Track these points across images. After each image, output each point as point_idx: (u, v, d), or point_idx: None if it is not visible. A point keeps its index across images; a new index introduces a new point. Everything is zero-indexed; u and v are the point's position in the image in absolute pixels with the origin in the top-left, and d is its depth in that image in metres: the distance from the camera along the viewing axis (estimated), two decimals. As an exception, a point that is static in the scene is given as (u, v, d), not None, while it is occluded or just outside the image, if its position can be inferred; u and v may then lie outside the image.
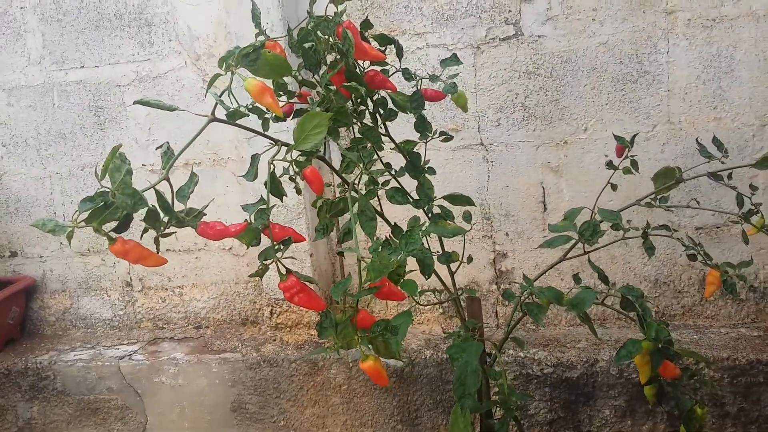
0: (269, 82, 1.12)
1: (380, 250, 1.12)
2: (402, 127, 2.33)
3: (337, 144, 1.37)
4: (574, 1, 2.25)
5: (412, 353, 2.30)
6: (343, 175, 1.41)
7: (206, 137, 2.52)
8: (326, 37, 1.25)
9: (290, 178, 1.15)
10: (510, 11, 2.30)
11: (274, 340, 2.46)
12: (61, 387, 2.51)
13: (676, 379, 1.57)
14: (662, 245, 2.34)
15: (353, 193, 1.27)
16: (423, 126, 1.69)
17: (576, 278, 1.73)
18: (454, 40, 2.34)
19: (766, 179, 2.26)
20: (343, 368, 2.31)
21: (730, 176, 1.75)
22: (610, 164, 1.80)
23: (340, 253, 1.20)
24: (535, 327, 2.46)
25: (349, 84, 1.22)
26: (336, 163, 1.42)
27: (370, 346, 1.20)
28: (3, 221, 2.77)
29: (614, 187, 1.81)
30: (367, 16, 1.39)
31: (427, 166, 1.73)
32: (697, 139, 1.81)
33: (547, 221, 2.41)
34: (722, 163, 1.75)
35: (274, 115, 1.45)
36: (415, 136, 1.69)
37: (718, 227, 2.34)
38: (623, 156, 1.80)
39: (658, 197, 1.78)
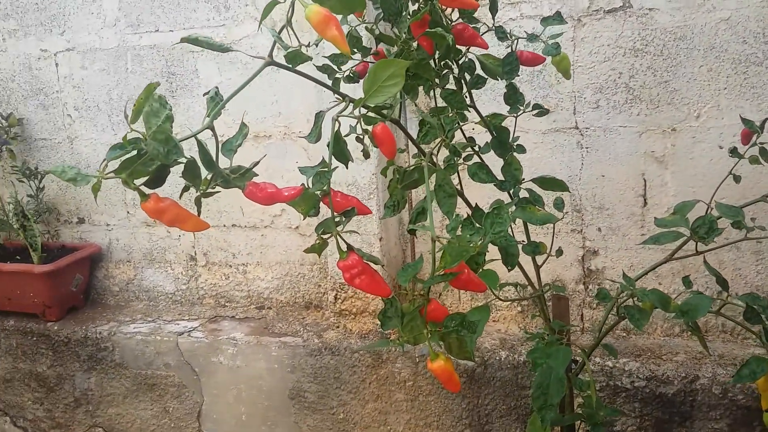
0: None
1: (460, 229, 0.93)
2: (487, 103, 2.13)
3: (415, 105, 1.18)
4: (694, -31, 1.98)
5: (486, 353, 2.09)
6: (420, 145, 1.23)
7: (277, 109, 2.39)
8: (411, -21, 1.06)
9: (357, 139, 0.98)
10: (618, -21, 2.04)
11: (337, 326, 2.31)
12: (119, 359, 2.45)
13: (805, 409, 1.31)
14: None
15: (430, 164, 1.08)
16: (514, 97, 1.48)
17: (686, 281, 1.49)
18: (552, 11, 2.10)
19: None
20: (409, 363, 2.13)
21: None
22: (734, 152, 1.54)
23: (412, 231, 1.02)
24: (626, 335, 2.21)
25: (433, 31, 1.03)
26: (412, 132, 1.23)
27: (441, 343, 1.01)
28: (71, 187, 2.74)
29: (737, 179, 1.55)
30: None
31: (516, 144, 1.53)
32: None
33: (646, 218, 2.15)
34: None
35: (346, 74, 1.28)
36: (503, 110, 1.49)
37: None
38: (750, 143, 1.54)
39: (791, 193, 1.51)
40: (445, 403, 2.13)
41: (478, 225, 0.96)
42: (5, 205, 2.64)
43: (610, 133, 2.13)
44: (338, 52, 1.27)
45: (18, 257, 2.63)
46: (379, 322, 2.26)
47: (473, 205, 1.37)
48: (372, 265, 0.98)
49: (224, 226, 2.56)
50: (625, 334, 2.21)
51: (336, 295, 2.32)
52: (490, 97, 2.13)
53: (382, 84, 0.88)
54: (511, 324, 2.32)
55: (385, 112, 0.96)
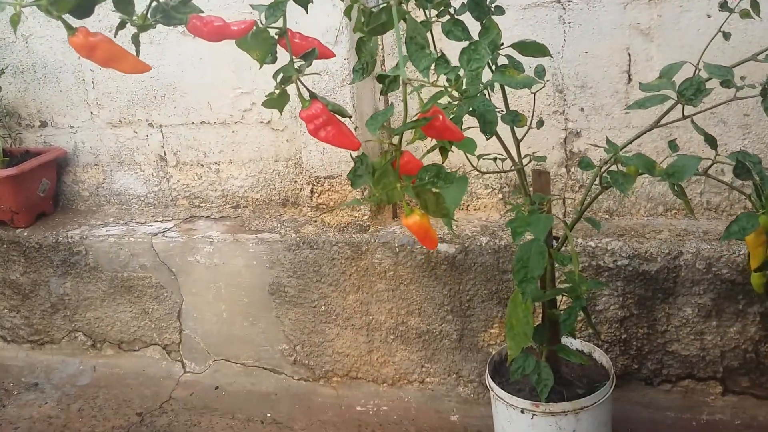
0: None
1: (433, 68, 0.85)
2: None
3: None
4: None
5: (466, 239, 2.05)
6: None
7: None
8: None
9: (315, -32, 0.88)
10: None
11: (315, 221, 2.25)
12: (93, 263, 2.39)
13: (793, 268, 1.29)
14: (767, 124, 1.98)
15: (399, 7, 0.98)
16: (492, -46, 1.37)
17: (672, 145, 1.43)
18: None
19: None
20: (389, 253, 2.09)
21: None
22: (724, 6, 1.45)
23: (381, 78, 0.93)
24: (609, 216, 2.17)
25: None
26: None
27: (416, 199, 0.94)
28: (31, 88, 2.59)
29: (727, 36, 1.47)
30: None
31: (494, 6, 1.43)
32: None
33: (630, 95, 2.06)
34: None
35: None
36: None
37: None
38: (740, -4, 1.44)
39: (783, 51, 1.43)
40: (427, 290, 2.10)
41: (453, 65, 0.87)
42: (-40, 109, 2.50)
43: (594, 5, 2.02)
44: None
45: (-21, 164, 2.52)
46: (358, 215, 2.21)
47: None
48: (339, 117, 0.90)
49: (192, 123, 2.45)
50: (607, 216, 2.17)
51: (312, 189, 2.25)
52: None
53: None
54: (491, 211, 2.27)
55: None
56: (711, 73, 1.38)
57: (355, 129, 2.09)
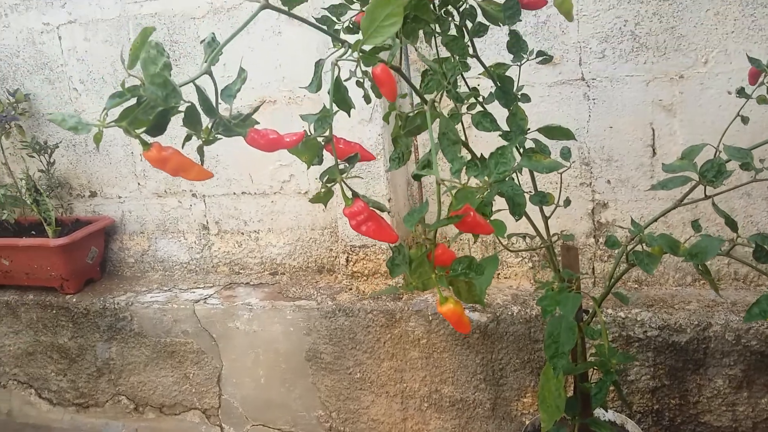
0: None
1: (465, 172, 0.93)
2: (491, 56, 2.10)
3: (416, 49, 1.18)
4: None
5: (498, 309, 2.10)
6: (425, 94, 1.22)
7: (281, 73, 2.38)
8: None
9: (358, 83, 0.97)
10: (621, -76, 2.00)
11: (350, 289, 2.32)
12: (138, 328, 2.49)
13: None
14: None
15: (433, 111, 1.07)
16: (517, 45, 1.47)
17: (695, 225, 1.48)
18: (555, -40, 2.07)
19: None
20: (422, 321, 2.15)
21: None
22: (741, 92, 1.52)
23: (417, 177, 1.02)
24: (638, 286, 2.21)
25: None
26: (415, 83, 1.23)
27: (450, 287, 1.01)
28: (82, 160, 2.75)
29: (745, 120, 1.54)
30: None
31: (520, 93, 1.52)
32: None
33: (656, 168, 2.13)
34: None
35: (345, 25, 1.27)
36: (506, 60, 1.48)
37: None
38: (758, 83, 1.52)
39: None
40: (460, 359, 2.15)
41: (483, 165, 0.96)
42: (17, 181, 2.66)
43: (617, 83, 2.11)
44: (337, 3, 1.26)
45: (33, 232, 2.66)
46: (392, 282, 2.28)
47: (479, 156, 1.37)
48: (378, 212, 0.99)
49: (234, 194, 2.57)
50: (636, 286, 2.21)
51: (347, 257, 2.33)
52: (494, 51, 2.12)
53: (380, 24, 0.88)
54: (522, 280, 2.32)
55: (385, 54, 0.95)
56: (731, 156, 1.45)
57: (389, 201, 2.19)
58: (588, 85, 2.14)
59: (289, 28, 2.35)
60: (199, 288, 2.55)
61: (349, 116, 1.01)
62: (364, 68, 0.93)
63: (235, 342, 2.39)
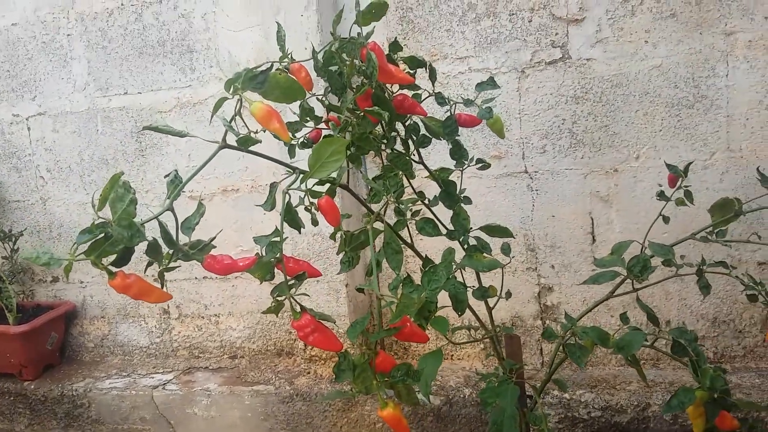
0: (281, 106, 1.06)
1: (401, 287, 1.04)
2: (441, 155, 2.25)
3: (360, 172, 1.30)
4: (626, 23, 2.14)
5: (451, 391, 2.18)
6: (371, 205, 1.34)
7: (245, 164, 2.49)
8: (351, 59, 1.18)
9: (306, 209, 1.08)
10: (557, 34, 2.20)
11: (308, 372, 2.38)
12: (95, 415, 2.49)
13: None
14: (721, 281, 2.17)
15: (378, 224, 1.19)
16: (459, 153, 1.60)
17: (623, 318, 1.60)
18: (497, 64, 2.26)
19: (838, 211, 2.07)
20: (378, 405, 2.21)
21: (797, 208, 1.60)
22: (661, 195, 1.67)
23: (360, 290, 1.13)
24: (583, 367, 2.31)
25: (371, 109, 1.15)
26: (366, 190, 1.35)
27: (391, 391, 1.10)
28: (45, 246, 2.80)
29: (666, 220, 1.68)
30: (395, 39, 1.33)
31: (462, 196, 1.65)
32: (757, 168, 1.67)
33: (596, 253, 2.28)
34: (788, 193, 1.60)
35: (300, 141, 1.39)
36: (451, 164, 1.61)
37: (784, 263, 2.16)
38: (677, 186, 1.67)
39: (715, 231, 1.64)
40: (415, 441, 2.21)
41: (417, 283, 1.06)
42: (-21, 267, 2.69)
43: (558, 175, 2.27)
44: (293, 120, 1.39)
45: (-7, 318, 2.68)
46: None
47: (424, 257, 1.48)
48: (325, 323, 1.08)
49: (195, 278, 2.64)
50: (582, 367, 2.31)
51: (306, 341, 2.40)
52: (441, 156, 2.27)
53: (325, 160, 0.99)
54: (475, 361, 2.41)
55: (332, 179, 1.06)
56: (654, 252, 1.58)
57: (346, 286, 2.28)
58: (531, 178, 2.30)
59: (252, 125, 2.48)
60: (158, 373, 2.58)
61: (300, 233, 1.11)
62: (311, 199, 1.04)
63: (193, 428, 2.41)
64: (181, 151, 2.56)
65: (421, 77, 1.47)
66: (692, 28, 2.10)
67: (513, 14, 2.22)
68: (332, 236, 1.18)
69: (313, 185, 1.04)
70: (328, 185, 1.20)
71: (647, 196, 2.20)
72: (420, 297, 1.01)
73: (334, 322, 1.05)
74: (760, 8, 2.04)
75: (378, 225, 1.24)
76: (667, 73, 2.14)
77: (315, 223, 1.10)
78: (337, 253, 1.16)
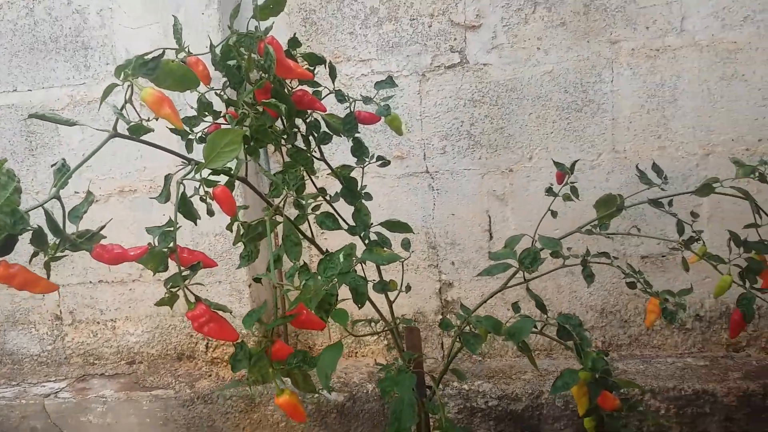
0: (180, 103, 1.05)
1: (297, 276, 1.05)
2: (345, 154, 2.28)
3: (259, 165, 1.30)
4: (519, 30, 2.25)
5: (354, 387, 2.21)
6: (273, 199, 1.34)
7: (143, 163, 2.43)
8: (249, 53, 1.19)
9: (201, 199, 1.08)
10: (455, 39, 2.28)
11: (210, 375, 2.34)
12: (-20, 427, 2.35)
13: (616, 411, 1.52)
14: (608, 274, 2.32)
15: (278, 217, 1.20)
16: (360, 150, 1.63)
17: (515, 307, 1.68)
18: (399, 67, 2.32)
19: (710, 208, 2.26)
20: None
21: (670, 203, 1.73)
22: (549, 191, 1.77)
23: (257, 279, 1.14)
24: (482, 359, 2.40)
25: (268, 101, 1.16)
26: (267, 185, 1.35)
27: (288, 379, 1.12)
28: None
29: (554, 214, 1.78)
30: (294, 35, 1.35)
31: (363, 192, 1.68)
32: (636, 166, 1.80)
33: (493, 250, 2.37)
34: (662, 189, 1.73)
35: (198, 136, 1.38)
36: (354, 162, 1.64)
37: (663, 256, 2.33)
38: (564, 183, 1.78)
39: (599, 225, 1.75)
40: (319, 439, 2.22)
41: (313, 271, 1.08)
42: None
43: (457, 175, 2.35)
44: (191, 115, 1.38)
45: None
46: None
47: (324, 251, 1.50)
48: (220, 312, 1.08)
49: (90, 282, 2.54)
50: (480, 359, 2.40)
51: (207, 343, 2.36)
52: (348, 151, 2.30)
53: (221, 150, 1.00)
54: (379, 357, 2.45)
55: (229, 170, 1.07)
56: (544, 245, 1.67)
57: (249, 286, 2.27)
58: (432, 177, 2.37)
59: (155, 128, 2.41)
60: (50, 381, 2.46)
61: (196, 224, 1.11)
62: (206, 189, 1.04)
63: (88, 436, 2.32)
64: (75, 150, 2.46)
65: (325, 78, 1.50)
66: (580, 37, 2.23)
67: (414, 19, 2.29)
68: (229, 227, 1.18)
69: (209, 175, 1.04)
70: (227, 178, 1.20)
71: (540, 194, 2.31)
72: (317, 285, 1.03)
73: (231, 312, 1.05)
74: (642, 19, 2.19)
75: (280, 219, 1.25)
76: (558, 78, 2.26)
77: (211, 213, 1.10)
78: (234, 244, 1.16)
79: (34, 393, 2.37)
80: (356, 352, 2.48)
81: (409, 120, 2.34)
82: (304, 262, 1.09)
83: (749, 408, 2.09)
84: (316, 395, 2.19)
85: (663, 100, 2.23)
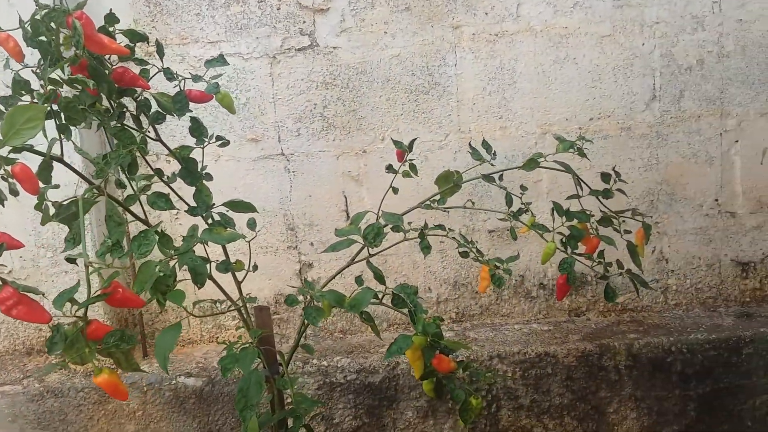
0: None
1: (110, 254, 1.05)
2: (183, 136, 2.23)
3: (73, 143, 1.28)
4: (367, 14, 2.30)
5: (212, 371, 2.21)
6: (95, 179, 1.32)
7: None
8: (57, 29, 1.16)
9: (2, 178, 1.05)
10: (305, 22, 2.31)
11: (61, 369, 2.26)
12: None
13: (452, 372, 1.62)
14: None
15: (97, 196, 1.18)
16: (198, 130, 1.63)
17: (358, 280, 1.74)
18: (249, 50, 2.31)
19: (549, 184, 2.42)
20: (137, 393, 2.17)
21: (501, 178, 1.85)
22: (390, 168, 1.84)
23: (70, 260, 1.12)
24: (342, 335, 2.46)
25: (75, 77, 1.14)
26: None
27: (109, 359, 1.11)
28: None
29: (395, 190, 1.85)
30: (111, 11, 1.32)
31: (204, 172, 1.68)
32: (469, 143, 1.90)
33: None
34: (492, 165, 1.85)
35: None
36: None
37: (508, 230, 2.46)
38: (404, 160, 1.85)
39: (439, 200, 1.84)
40: (177, 425, 2.20)
41: (126, 248, 1.08)
42: None
43: (312, 157, 2.38)
44: (8, 95, 1.32)
45: None
46: (106, 359, 2.26)
47: (160, 231, 1.48)
48: (30, 295, 1.06)
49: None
50: (342, 335, 2.46)
51: (58, 335, 2.27)
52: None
53: (20, 127, 0.97)
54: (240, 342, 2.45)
55: (29, 147, 1.04)
56: (386, 220, 1.74)
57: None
58: (288, 160, 2.39)
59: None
60: None
61: (3, 206, 1.07)
62: (6, 167, 1.01)
63: (-74, 441, 2.18)
64: None
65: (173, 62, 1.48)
66: (425, 21, 2.32)
67: (261, 1, 2.29)
68: (37, 206, 1.15)
69: (8, 153, 1.01)
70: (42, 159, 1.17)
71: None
72: (150, 269, 1.03)
73: (43, 294, 1.03)
74: (481, 5, 2.31)
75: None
76: (405, 62, 2.34)
77: (15, 193, 1.07)
78: (42, 224, 1.14)
79: None
80: (216, 338, 2.47)
81: (262, 103, 2.34)
82: (117, 240, 1.09)
83: (587, 367, 2.28)
84: (173, 381, 2.17)
85: (503, 82, 2.36)
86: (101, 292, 1.04)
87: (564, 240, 1.79)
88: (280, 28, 2.31)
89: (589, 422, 2.27)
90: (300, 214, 2.42)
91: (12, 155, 1.00)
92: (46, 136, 1.09)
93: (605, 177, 1.88)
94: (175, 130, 2.30)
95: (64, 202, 1.12)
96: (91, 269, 1.02)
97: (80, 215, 1.07)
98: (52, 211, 1.12)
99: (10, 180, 1.04)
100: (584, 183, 1.86)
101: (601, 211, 1.84)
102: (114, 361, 1.11)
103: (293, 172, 2.40)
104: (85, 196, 1.10)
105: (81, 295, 1.02)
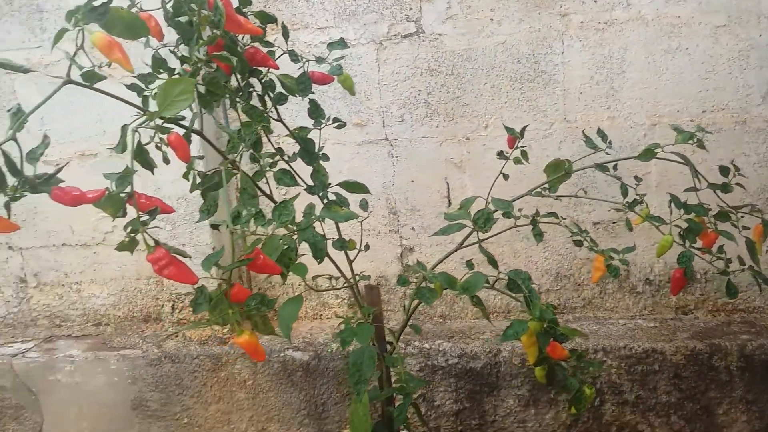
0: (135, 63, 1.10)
1: (252, 222, 1.11)
2: (306, 119, 2.31)
3: (213, 118, 1.35)
4: (473, 1, 2.31)
5: (319, 347, 2.28)
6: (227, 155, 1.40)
7: (102, 127, 2.43)
8: (199, 8, 1.24)
9: (156, 147, 1.13)
10: (411, 9, 2.33)
11: (177, 336, 2.40)
12: (-53, 389, 2.38)
13: (565, 360, 1.61)
14: (561, 240, 2.41)
15: (231, 168, 1.25)
16: (316, 112, 1.69)
17: (469, 264, 1.76)
18: (356, 35, 2.36)
19: (657, 176, 2.36)
20: (247, 363, 2.28)
21: (615, 168, 1.82)
22: (500, 154, 1.85)
23: (214, 226, 1.19)
24: (443, 320, 2.49)
25: (219, 53, 1.21)
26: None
27: (247, 321, 1.18)
28: None
29: (506, 177, 1.86)
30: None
31: (321, 153, 1.74)
32: (583, 131, 1.87)
33: (451, 215, 2.44)
34: (607, 154, 1.82)
35: (154, 93, 1.42)
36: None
37: (614, 222, 2.42)
38: (515, 147, 1.85)
39: (549, 188, 1.83)
40: (285, 397, 2.29)
41: (269, 218, 1.14)
42: None
43: (415, 143, 2.42)
44: (146, 72, 1.42)
45: None
46: (217, 328, 2.38)
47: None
48: (180, 257, 1.14)
49: (54, 245, 2.56)
50: (441, 320, 2.49)
51: (173, 305, 2.41)
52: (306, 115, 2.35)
53: (173, 99, 1.05)
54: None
55: (182, 118, 1.12)
56: (496, 206, 1.75)
57: (213, 249, 2.31)
58: (391, 145, 2.43)
59: (110, 86, 2.43)
60: (17, 342, 2.49)
61: (153, 173, 1.16)
62: (161, 136, 1.09)
63: (56, 395, 2.36)
64: (33, 114, 2.46)
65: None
66: (532, 9, 2.30)
67: (371, -13, 2.33)
68: (185, 175, 1.23)
69: (163, 123, 1.09)
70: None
71: (496, 162, 2.35)
72: (275, 241, 1.09)
73: (190, 257, 1.11)
74: (591, -8, 2.27)
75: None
76: (511, 49, 2.33)
77: (167, 161, 1.15)
78: (191, 191, 1.21)
79: (1, 353, 2.40)
80: (321, 315, 2.55)
81: (367, 88, 2.39)
82: (260, 209, 1.15)
83: (696, 366, 2.21)
84: (282, 354, 2.26)
85: (611, 71, 2.31)
86: (245, 257, 1.10)
87: (681, 233, 1.75)
88: (387, 15, 2.35)
89: (697, 422, 2.21)
90: (402, 199, 2.46)
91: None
92: (191, 109, 1.16)
93: (724, 170, 1.82)
94: (284, 113, 2.37)
95: (208, 173, 1.19)
96: (235, 236, 1.09)
97: (223, 184, 1.14)
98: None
99: (164, 148, 1.12)
100: (702, 176, 1.81)
101: (718, 206, 1.78)
102: (252, 324, 1.18)
103: (396, 157, 2.44)
104: (224, 167, 1.17)
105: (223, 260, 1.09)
